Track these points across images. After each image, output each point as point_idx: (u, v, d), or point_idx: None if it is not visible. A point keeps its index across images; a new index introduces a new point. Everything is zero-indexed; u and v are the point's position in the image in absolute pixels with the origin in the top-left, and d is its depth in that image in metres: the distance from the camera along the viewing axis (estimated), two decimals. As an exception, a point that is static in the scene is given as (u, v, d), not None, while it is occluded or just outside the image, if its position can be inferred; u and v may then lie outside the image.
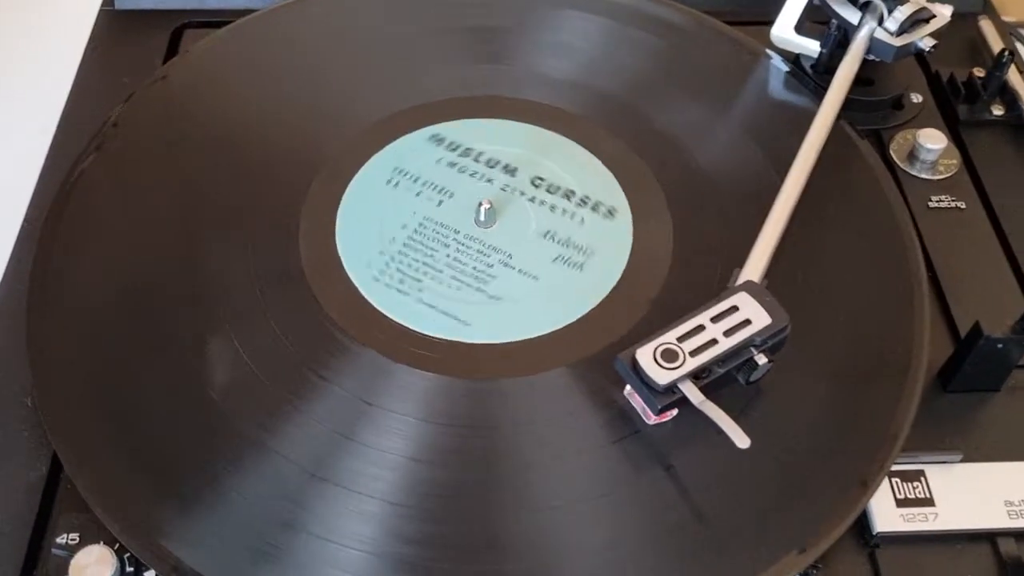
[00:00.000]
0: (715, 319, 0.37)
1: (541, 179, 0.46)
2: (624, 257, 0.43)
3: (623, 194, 0.45)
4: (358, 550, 0.35)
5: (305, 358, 0.39)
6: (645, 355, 0.36)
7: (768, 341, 0.37)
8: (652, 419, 0.37)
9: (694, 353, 0.36)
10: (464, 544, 0.35)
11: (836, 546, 0.37)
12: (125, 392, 0.39)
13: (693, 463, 0.37)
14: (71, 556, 0.35)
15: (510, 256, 0.43)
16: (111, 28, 0.57)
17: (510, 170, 0.46)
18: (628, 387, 0.37)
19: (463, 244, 0.43)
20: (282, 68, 0.50)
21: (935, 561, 0.38)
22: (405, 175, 0.45)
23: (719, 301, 0.37)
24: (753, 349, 0.37)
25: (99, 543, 0.36)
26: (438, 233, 0.44)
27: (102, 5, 0.57)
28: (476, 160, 0.46)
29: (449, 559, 0.35)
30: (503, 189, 0.45)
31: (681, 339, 0.36)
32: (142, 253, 0.43)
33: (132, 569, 0.36)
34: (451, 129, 0.47)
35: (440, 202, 0.45)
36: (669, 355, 0.36)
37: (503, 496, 0.36)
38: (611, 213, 0.45)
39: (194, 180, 0.45)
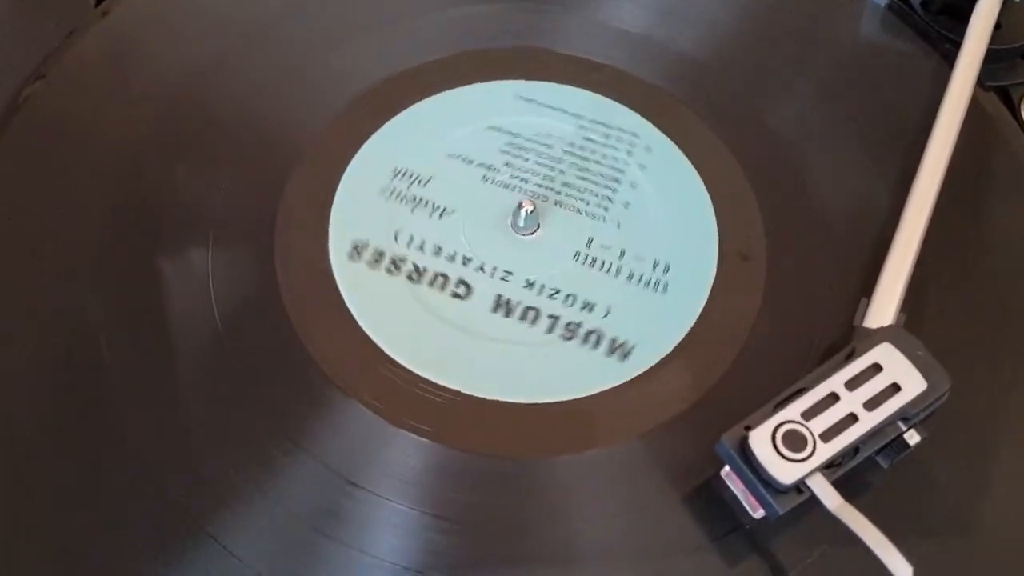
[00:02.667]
0: (851, 384, 0.27)
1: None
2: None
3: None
4: None
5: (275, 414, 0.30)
6: (762, 441, 0.26)
7: (922, 413, 0.27)
8: (760, 511, 0.28)
9: (827, 436, 0.26)
10: None
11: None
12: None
13: (818, 569, 0.28)
14: None
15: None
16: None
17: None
18: (726, 468, 0.28)
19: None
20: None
21: None
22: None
23: (855, 358, 0.28)
24: (901, 424, 0.27)
25: None
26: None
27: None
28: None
29: None
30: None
31: (807, 415, 0.27)
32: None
33: None
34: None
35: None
36: (794, 440, 0.26)
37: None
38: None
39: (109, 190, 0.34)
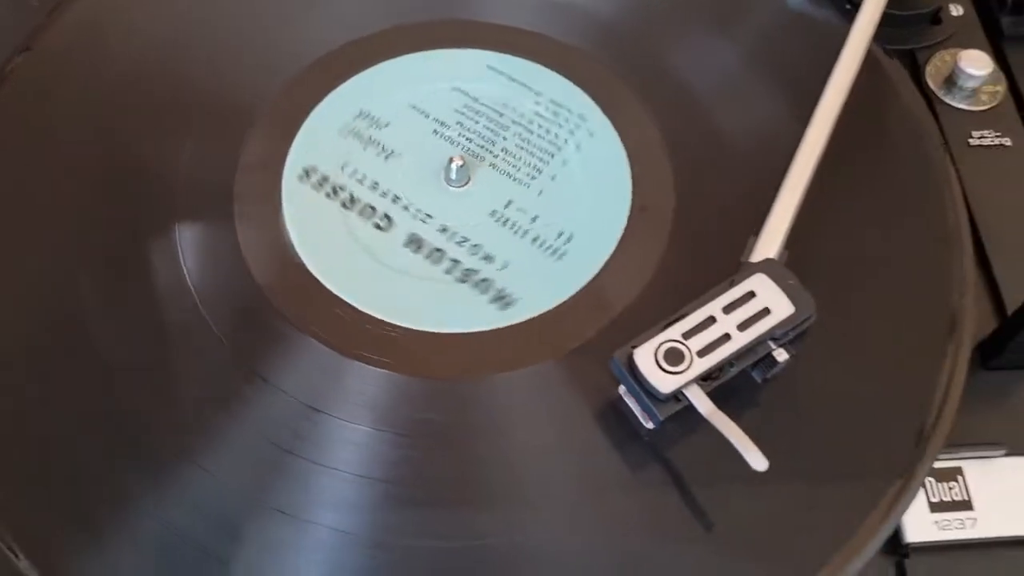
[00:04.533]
0: (728, 309, 0.31)
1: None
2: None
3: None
4: None
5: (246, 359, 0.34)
6: (645, 356, 0.30)
7: (790, 333, 0.31)
8: (651, 424, 0.32)
9: (703, 352, 0.30)
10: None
11: (860, 556, 0.33)
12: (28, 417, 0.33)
13: (700, 471, 0.32)
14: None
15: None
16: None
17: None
18: (622, 387, 0.32)
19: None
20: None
21: (972, 571, 0.33)
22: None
23: (733, 286, 0.32)
24: (772, 343, 0.31)
25: None
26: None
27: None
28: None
29: None
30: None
31: (688, 335, 0.31)
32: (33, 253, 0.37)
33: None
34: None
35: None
36: (673, 356, 0.30)
37: (483, 520, 0.31)
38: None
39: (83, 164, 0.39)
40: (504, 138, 0.39)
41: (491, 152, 0.39)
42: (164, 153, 0.38)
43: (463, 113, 0.39)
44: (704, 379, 0.31)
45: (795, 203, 0.35)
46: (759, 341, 0.31)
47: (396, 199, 0.37)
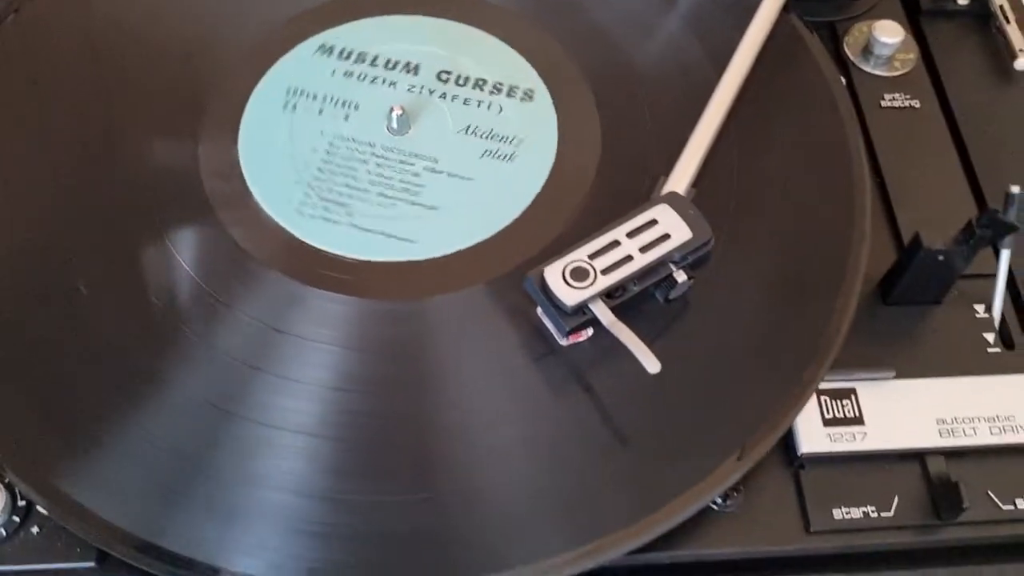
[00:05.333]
0: (631, 234, 0.34)
1: (448, 72, 0.43)
2: (551, 149, 0.40)
3: (540, 79, 0.43)
4: (275, 488, 0.33)
5: (214, 289, 0.37)
6: (554, 274, 0.34)
7: (689, 257, 0.35)
8: (566, 340, 0.35)
9: (607, 271, 0.34)
10: (383, 471, 0.34)
11: (760, 467, 0.36)
12: (15, 338, 0.37)
13: (613, 382, 0.35)
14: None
15: (435, 160, 0.40)
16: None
17: (412, 68, 0.43)
18: (540, 308, 0.35)
19: (382, 157, 0.41)
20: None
21: (861, 482, 0.36)
22: (302, 95, 0.42)
23: (637, 214, 0.35)
24: (672, 265, 0.34)
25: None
26: (353, 151, 0.41)
27: None
28: (373, 64, 0.43)
29: (367, 489, 0.33)
30: (410, 91, 0.42)
31: (593, 256, 0.34)
32: (21, 190, 0.40)
33: (23, 502, 0.35)
34: (338, 35, 0.44)
35: (347, 116, 0.41)
36: (579, 274, 0.34)
37: (421, 421, 0.35)
38: (529, 96, 0.42)
39: (70, 106, 0.42)
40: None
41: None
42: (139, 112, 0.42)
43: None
44: (608, 296, 0.34)
45: (703, 147, 0.38)
46: (659, 263, 0.34)
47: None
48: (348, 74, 0.42)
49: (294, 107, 0.41)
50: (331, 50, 0.43)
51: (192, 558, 0.32)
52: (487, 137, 0.41)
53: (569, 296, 0.33)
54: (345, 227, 0.38)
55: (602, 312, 0.33)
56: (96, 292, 0.37)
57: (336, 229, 0.38)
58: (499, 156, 0.40)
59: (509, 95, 0.42)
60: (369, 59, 0.43)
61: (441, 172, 0.40)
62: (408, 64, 0.43)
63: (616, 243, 0.34)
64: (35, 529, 0.34)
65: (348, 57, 0.43)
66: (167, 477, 0.34)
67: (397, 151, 0.41)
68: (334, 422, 0.35)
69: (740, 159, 0.40)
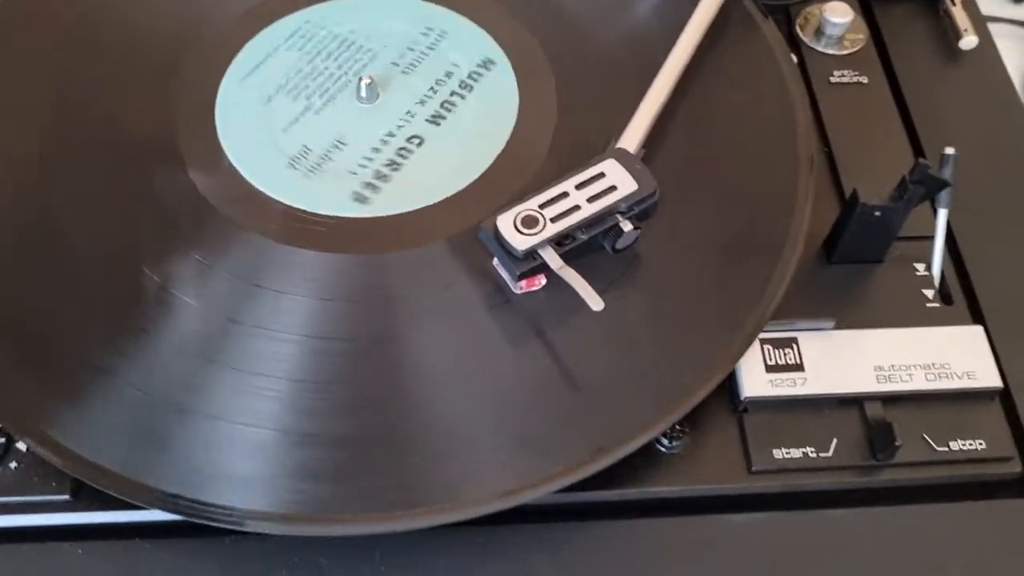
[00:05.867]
0: (580, 186, 0.37)
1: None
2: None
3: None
4: (253, 426, 0.35)
5: (191, 246, 0.39)
6: (506, 222, 0.36)
7: (635, 208, 0.37)
8: (520, 288, 0.37)
9: (556, 219, 0.36)
10: (353, 407, 0.36)
11: (705, 411, 0.38)
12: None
13: (565, 330, 0.37)
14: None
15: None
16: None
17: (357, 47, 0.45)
18: (496, 260, 0.37)
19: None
20: None
21: (802, 425, 0.38)
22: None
23: (586, 168, 0.37)
24: (619, 216, 0.36)
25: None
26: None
27: None
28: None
29: (339, 427, 0.35)
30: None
31: (543, 206, 0.36)
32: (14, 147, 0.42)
33: (3, 440, 0.36)
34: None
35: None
36: (529, 222, 0.36)
37: (387, 363, 0.37)
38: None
39: (62, 77, 0.44)
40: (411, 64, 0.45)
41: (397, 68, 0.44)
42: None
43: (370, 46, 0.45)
44: (558, 243, 0.36)
45: (653, 110, 0.40)
46: (606, 212, 0.36)
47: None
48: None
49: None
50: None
51: (164, 490, 0.34)
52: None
53: (520, 242, 0.35)
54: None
55: (550, 256, 0.35)
56: (78, 239, 0.39)
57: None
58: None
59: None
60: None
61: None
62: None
63: (565, 194, 0.36)
64: (13, 464, 0.36)
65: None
66: (142, 417, 0.35)
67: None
68: (307, 366, 0.36)
69: (691, 125, 0.42)
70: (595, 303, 0.34)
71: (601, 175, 0.37)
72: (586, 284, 0.34)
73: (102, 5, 0.47)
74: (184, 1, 0.47)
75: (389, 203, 0.40)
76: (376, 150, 0.42)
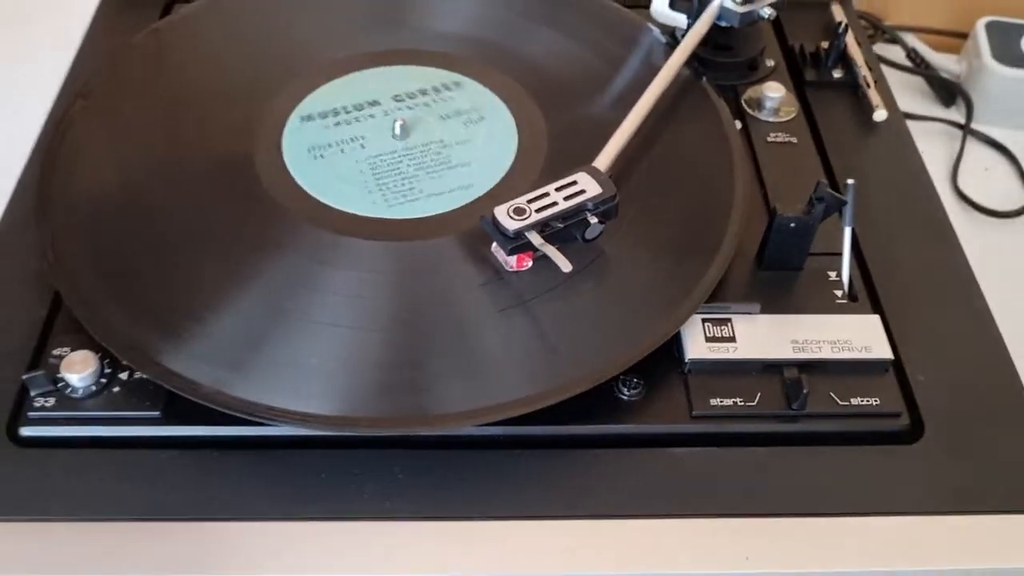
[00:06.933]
0: (559, 189, 0.48)
1: (400, 95, 0.58)
2: (512, 149, 0.55)
3: (501, 101, 0.58)
4: (314, 357, 0.46)
5: (264, 229, 0.51)
6: (501, 212, 0.47)
7: (600, 207, 0.48)
8: (511, 267, 0.48)
9: (539, 210, 0.47)
10: (388, 349, 0.46)
11: (657, 370, 0.48)
12: (121, 251, 0.50)
13: (544, 299, 0.48)
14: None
15: (441, 142, 0.55)
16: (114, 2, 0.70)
17: (373, 103, 0.58)
18: (494, 244, 0.49)
19: (410, 154, 0.55)
20: (213, 47, 0.62)
21: (733, 382, 0.48)
22: (321, 148, 0.56)
23: (564, 177, 0.49)
24: (587, 212, 0.48)
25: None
26: (389, 160, 0.55)
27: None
28: (347, 112, 0.57)
29: (381, 358, 0.46)
30: (387, 114, 0.57)
31: (530, 201, 0.48)
32: (133, 152, 0.55)
33: (109, 370, 0.47)
34: (312, 103, 0.58)
35: (362, 145, 0.56)
36: (519, 211, 0.47)
37: (404, 323, 0.47)
38: (498, 127, 0.57)
39: (171, 120, 0.57)
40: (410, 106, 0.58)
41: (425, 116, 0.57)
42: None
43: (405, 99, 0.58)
44: (541, 231, 0.47)
45: (620, 142, 0.52)
46: (578, 208, 0.48)
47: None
48: (337, 124, 0.57)
49: (323, 156, 0.56)
50: (310, 117, 0.57)
51: (244, 398, 0.44)
52: (463, 141, 0.56)
53: (511, 224, 0.46)
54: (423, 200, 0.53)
55: (534, 237, 0.46)
56: (177, 223, 0.51)
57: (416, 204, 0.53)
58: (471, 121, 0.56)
59: (481, 115, 0.57)
60: (342, 111, 0.58)
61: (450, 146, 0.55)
62: (370, 102, 0.58)
63: (547, 194, 0.48)
64: (116, 389, 0.46)
65: (325, 116, 0.57)
66: (234, 355, 0.46)
67: (414, 148, 0.55)
68: (351, 314, 0.47)
69: (651, 160, 0.54)
70: (565, 266, 0.45)
71: (575, 182, 0.48)
72: (559, 253, 0.45)
73: (202, 56, 0.60)
74: (270, 55, 0.61)
75: (411, 209, 0.52)
76: (398, 172, 0.54)
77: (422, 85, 0.59)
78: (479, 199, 0.53)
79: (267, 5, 0.64)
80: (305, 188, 0.53)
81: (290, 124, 0.56)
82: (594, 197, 0.48)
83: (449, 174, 0.54)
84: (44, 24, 0.80)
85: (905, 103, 0.64)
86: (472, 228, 0.51)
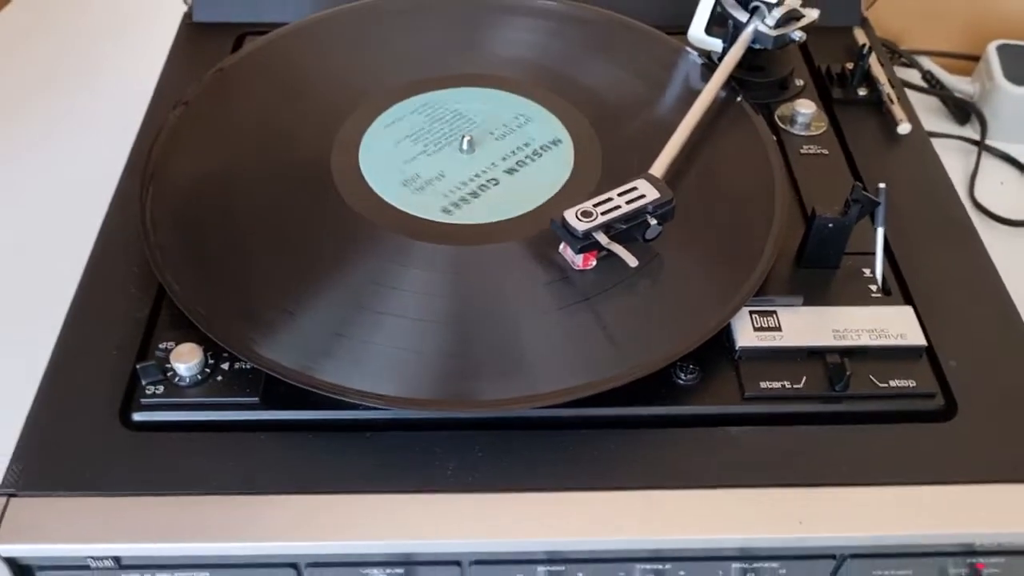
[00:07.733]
0: (621, 194, 0.53)
1: (469, 115, 0.64)
2: (571, 157, 0.60)
3: (565, 130, 0.63)
4: (391, 346, 0.51)
5: (339, 232, 0.56)
6: (570, 214, 0.52)
7: (658, 210, 0.53)
8: (578, 265, 0.53)
9: (604, 213, 0.52)
10: (452, 340, 0.51)
11: (711, 358, 0.53)
12: (223, 255, 0.55)
13: (605, 296, 0.53)
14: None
15: (493, 165, 0.60)
16: (189, 35, 0.75)
17: (443, 121, 0.64)
18: (562, 245, 0.54)
19: (478, 176, 0.60)
20: (307, 65, 0.68)
21: (780, 367, 0.53)
22: (398, 161, 0.61)
23: (626, 183, 0.54)
24: (647, 215, 0.53)
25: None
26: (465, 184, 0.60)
27: (183, 19, 0.76)
28: (421, 128, 0.63)
29: (446, 346, 0.51)
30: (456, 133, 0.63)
31: (596, 205, 0.53)
32: (231, 160, 0.60)
33: (212, 361, 0.52)
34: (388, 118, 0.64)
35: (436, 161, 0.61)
36: (586, 214, 0.52)
37: (479, 316, 0.52)
38: (555, 143, 0.62)
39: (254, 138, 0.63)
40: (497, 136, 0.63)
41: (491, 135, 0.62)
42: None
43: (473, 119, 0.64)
44: (606, 231, 0.52)
45: (676, 148, 0.57)
46: (639, 211, 0.53)
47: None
48: (413, 139, 0.63)
49: (403, 171, 0.61)
50: (388, 129, 0.63)
51: (334, 382, 0.49)
52: (522, 162, 0.61)
53: (579, 225, 0.51)
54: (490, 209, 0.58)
55: (601, 237, 0.51)
56: (261, 225, 0.56)
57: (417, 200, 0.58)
58: (529, 172, 0.60)
59: (544, 143, 0.62)
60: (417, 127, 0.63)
61: (491, 179, 0.60)
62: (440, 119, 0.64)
63: (610, 199, 0.53)
64: (219, 377, 0.51)
65: (402, 131, 0.63)
66: (318, 345, 0.51)
67: (479, 162, 0.61)
68: (428, 311, 0.52)
69: (699, 171, 0.60)
70: (631, 261, 0.50)
71: (635, 188, 0.53)
72: (625, 250, 0.50)
73: (291, 73, 0.66)
74: (351, 74, 0.66)
75: (467, 217, 0.57)
76: (464, 184, 0.59)
77: (503, 110, 0.65)
78: (540, 207, 0.58)
79: (348, 31, 0.70)
80: (384, 198, 0.58)
81: (366, 140, 0.62)
82: (653, 201, 0.53)
83: (513, 185, 0.59)
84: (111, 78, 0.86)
85: (923, 121, 0.69)
86: (534, 234, 0.56)
